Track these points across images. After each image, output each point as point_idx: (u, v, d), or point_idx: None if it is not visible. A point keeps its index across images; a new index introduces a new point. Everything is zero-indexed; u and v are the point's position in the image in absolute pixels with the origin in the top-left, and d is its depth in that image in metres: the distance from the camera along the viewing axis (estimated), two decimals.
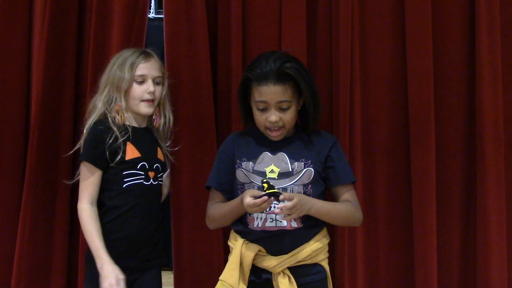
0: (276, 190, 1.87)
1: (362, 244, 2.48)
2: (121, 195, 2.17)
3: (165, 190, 2.36)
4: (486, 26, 2.46)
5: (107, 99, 2.21)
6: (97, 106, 2.22)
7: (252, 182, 2.05)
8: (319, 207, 1.98)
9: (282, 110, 2.03)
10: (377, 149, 2.52)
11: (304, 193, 2.01)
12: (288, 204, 1.86)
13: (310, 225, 2.02)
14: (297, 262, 1.99)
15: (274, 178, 2.02)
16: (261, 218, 2.01)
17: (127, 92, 2.20)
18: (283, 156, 2.06)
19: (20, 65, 2.55)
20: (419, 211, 2.45)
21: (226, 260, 2.10)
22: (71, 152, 2.35)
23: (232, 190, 2.10)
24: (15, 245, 2.46)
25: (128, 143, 2.18)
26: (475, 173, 2.47)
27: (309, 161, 2.04)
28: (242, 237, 2.05)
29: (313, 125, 2.11)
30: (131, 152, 2.19)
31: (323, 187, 2.08)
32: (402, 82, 2.52)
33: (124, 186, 2.16)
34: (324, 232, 2.07)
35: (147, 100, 2.21)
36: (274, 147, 2.08)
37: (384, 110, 2.53)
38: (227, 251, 2.20)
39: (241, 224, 2.06)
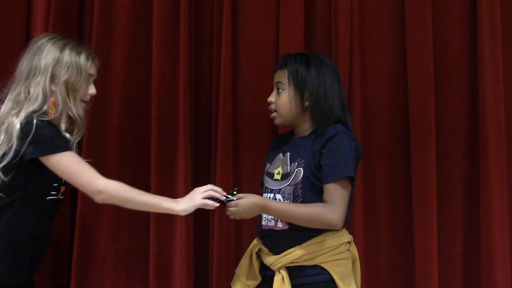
0: (225, 199, 1.95)
1: (363, 244, 2.48)
2: (38, 207, 1.99)
3: None
4: (488, 24, 2.47)
5: (45, 88, 1.97)
6: (33, 95, 1.97)
7: (264, 183, 2.14)
8: (273, 208, 1.98)
9: (278, 92, 2.11)
10: (377, 148, 2.53)
11: (293, 193, 2.01)
12: (231, 208, 1.95)
13: (297, 228, 1.99)
14: (291, 262, 2.00)
15: (278, 180, 2.07)
16: (264, 217, 2.08)
17: (73, 86, 2.00)
18: (287, 157, 2.09)
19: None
20: (420, 211, 2.46)
21: None
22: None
23: None
24: None
25: None
26: (477, 173, 2.48)
27: (303, 160, 2.03)
28: None
29: (320, 125, 2.06)
30: None
31: (317, 186, 2.00)
32: (402, 82, 2.53)
33: (47, 198, 1.98)
34: (323, 237, 2.01)
35: (86, 102, 2.08)
36: (286, 149, 2.12)
37: (384, 109, 2.54)
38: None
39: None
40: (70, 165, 1.93)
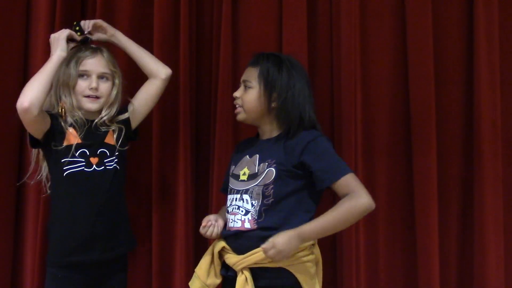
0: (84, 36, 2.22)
1: (363, 244, 2.47)
2: (62, 184, 2.13)
3: None
4: (484, 27, 2.44)
5: (55, 97, 2.19)
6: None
7: (229, 186, 2.12)
8: (310, 232, 1.92)
9: (246, 89, 2.11)
10: (378, 148, 2.52)
11: (263, 193, 1.99)
12: (270, 252, 1.86)
13: (266, 228, 1.97)
14: (255, 263, 1.97)
15: (244, 180, 2.05)
16: (230, 218, 2.07)
17: (73, 88, 2.16)
18: (255, 158, 2.07)
19: (17, 67, 2.59)
20: (421, 211, 2.43)
21: None
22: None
23: None
24: None
25: (70, 128, 2.15)
26: (473, 173, 2.45)
27: (274, 161, 2.01)
28: None
29: (291, 128, 2.05)
30: (72, 138, 2.14)
31: (291, 186, 1.99)
32: (403, 82, 2.51)
33: (64, 174, 2.12)
34: None
35: (89, 96, 2.18)
36: (254, 150, 2.11)
37: (385, 110, 2.52)
38: None
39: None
40: None
